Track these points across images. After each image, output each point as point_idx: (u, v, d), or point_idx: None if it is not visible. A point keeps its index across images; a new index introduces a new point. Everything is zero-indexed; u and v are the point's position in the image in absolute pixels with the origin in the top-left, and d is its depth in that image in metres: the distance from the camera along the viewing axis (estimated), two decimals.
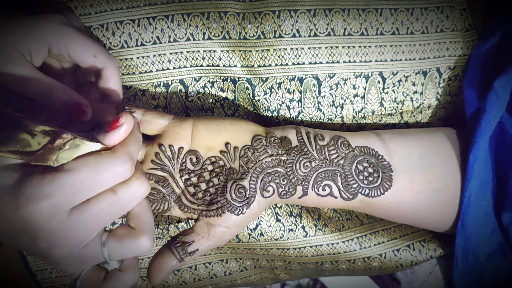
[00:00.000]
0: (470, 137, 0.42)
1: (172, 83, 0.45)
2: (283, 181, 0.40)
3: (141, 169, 0.35)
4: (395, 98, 0.45)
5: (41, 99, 0.37)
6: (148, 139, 0.43)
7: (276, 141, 0.40)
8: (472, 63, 0.44)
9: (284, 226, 0.47)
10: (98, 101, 0.41)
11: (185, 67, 0.45)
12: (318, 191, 0.40)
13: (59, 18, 0.39)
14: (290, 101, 0.45)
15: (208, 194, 0.40)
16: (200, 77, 0.45)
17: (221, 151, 0.40)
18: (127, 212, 0.36)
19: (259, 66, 0.44)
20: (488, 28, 0.44)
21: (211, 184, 0.40)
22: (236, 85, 0.45)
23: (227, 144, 0.40)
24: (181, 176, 0.40)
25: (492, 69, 0.42)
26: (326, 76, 0.44)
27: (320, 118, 0.45)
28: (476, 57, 0.44)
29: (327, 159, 0.40)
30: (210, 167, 0.40)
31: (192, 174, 0.40)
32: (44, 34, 0.37)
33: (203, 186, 0.40)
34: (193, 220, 0.41)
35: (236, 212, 0.39)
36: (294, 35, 0.43)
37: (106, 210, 0.32)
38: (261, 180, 0.40)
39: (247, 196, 0.39)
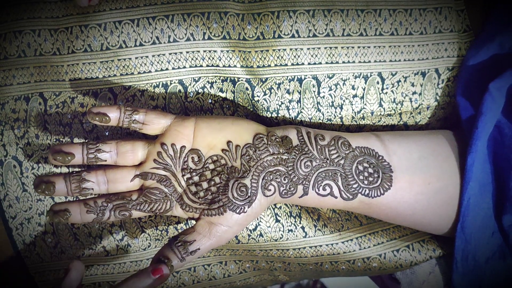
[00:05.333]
0: (467, 139, 0.42)
1: (171, 84, 0.45)
2: (284, 180, 0.40)
3: None
4: (394, 99, 0.45)
5: None
6: (150, 138, 0.43)
7: (277, 140, 0.40)
8: (465, 69, 0.44)
9: (283, 226, 0.47)
10: None
11: (184, 67, 0.45)
12: (319, 190, 0.40)
13: None
14: (290, 101, 0.45)
15: (210, 193, 0.40)
16: (199, 77, 0.45)
17: (222, 150, 0.40)
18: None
19: (258, 66, 0.44)
20: (481, 34, 0.44)
21: (212, 183, 0.40)
22: (236, 86, 0.45)
23: (228, 142, 0.40)
24: (183, 175, 0.40)
25: (486, 76, 0.42)
26: (325, 76, 0.44)
27: (320, 119, 0.45)
28: (469, 63, 0.44)
29: (327, 159, 0.40)
30: (211, 166, 0.40)
31: (194, 173, 0.40)
32: None
33: (204, 185, 0.40)
34: (193, 221, 0.41)
35: (237, 211, 0.39)
36: (293, 36, 0.43)
37: None
38: (263, 179, 0.40)
39: (249, 194, 0.39)
